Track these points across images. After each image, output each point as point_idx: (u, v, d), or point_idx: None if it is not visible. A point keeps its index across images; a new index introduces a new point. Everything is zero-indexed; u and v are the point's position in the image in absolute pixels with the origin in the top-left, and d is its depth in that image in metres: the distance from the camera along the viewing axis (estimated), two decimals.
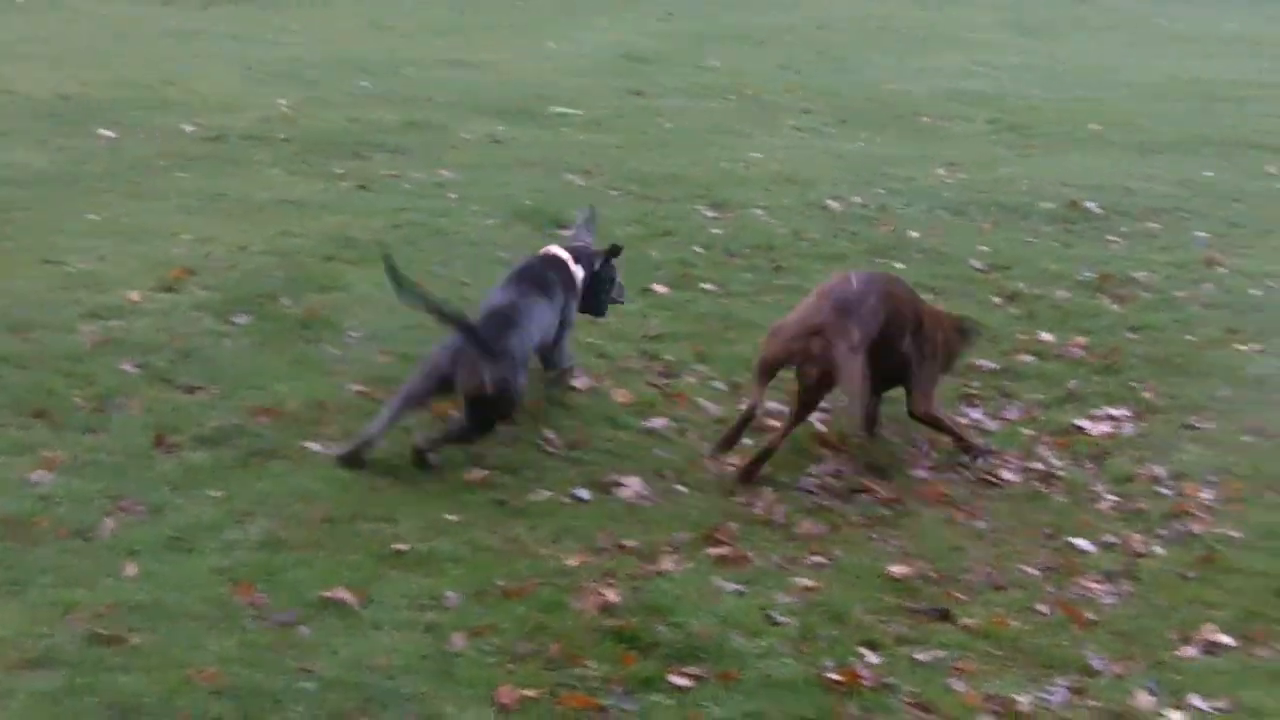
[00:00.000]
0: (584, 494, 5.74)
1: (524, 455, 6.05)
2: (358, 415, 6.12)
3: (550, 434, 6.21)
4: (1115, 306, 8.13)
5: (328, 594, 4.69)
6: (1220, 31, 18.10)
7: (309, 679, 4.25)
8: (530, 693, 4.30)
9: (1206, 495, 5.93)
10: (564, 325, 6.44)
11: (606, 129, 12.25)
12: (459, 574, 4.95)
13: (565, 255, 6.51)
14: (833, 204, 9.98)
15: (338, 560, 4.95)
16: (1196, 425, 6.63)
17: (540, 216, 9.26)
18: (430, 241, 8.66)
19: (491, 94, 13.41)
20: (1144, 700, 4.43)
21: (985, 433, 6.63)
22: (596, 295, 6.70)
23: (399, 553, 5.05)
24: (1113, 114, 13.21)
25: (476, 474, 5.76)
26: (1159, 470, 6.16)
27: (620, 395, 6.66)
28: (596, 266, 6.62)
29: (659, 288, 8.13)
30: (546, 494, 5.69)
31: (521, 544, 5.27)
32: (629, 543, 5.34)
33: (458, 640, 4.52)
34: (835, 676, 4.47)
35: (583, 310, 6.66)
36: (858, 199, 10.14)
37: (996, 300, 8.17)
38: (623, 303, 6.98)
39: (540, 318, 6.16)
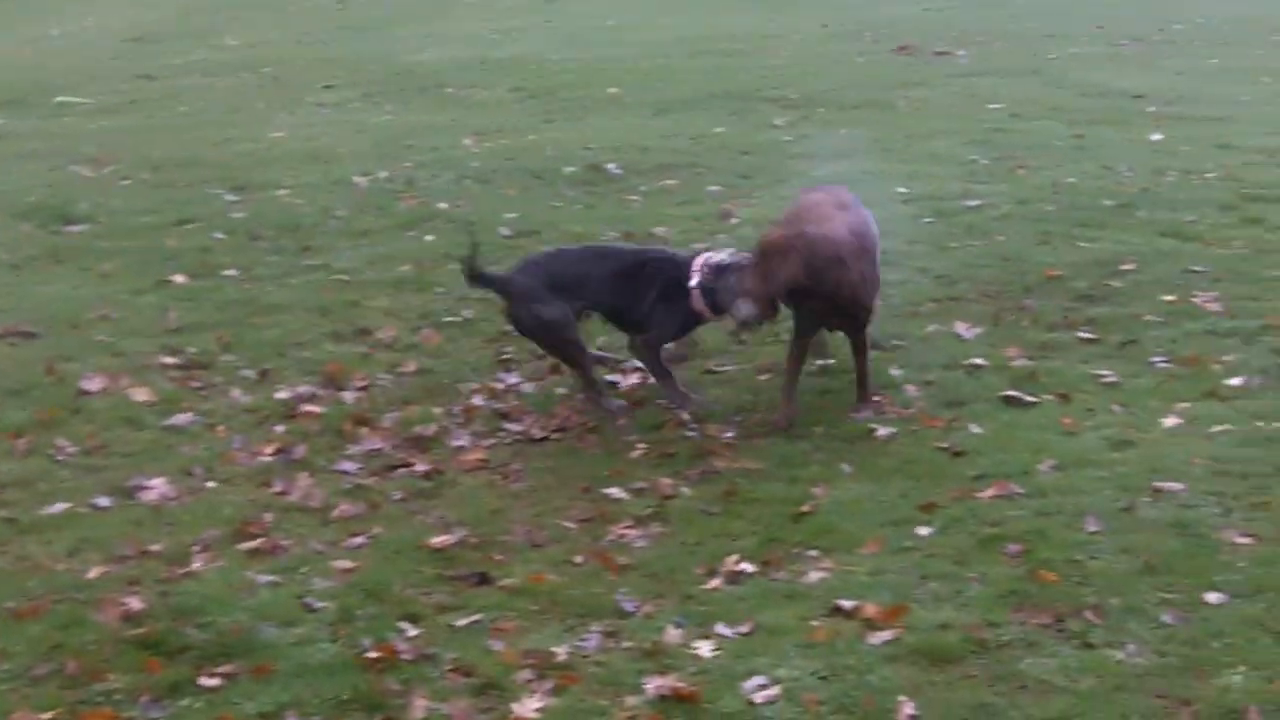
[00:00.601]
0: (104, 501, 5.45)
1: (35, 467, 5.68)
2: None
3: (63, 442, 5.84)
4: None
5: None
6: None
7: None
8: (46, 716, 4.05)
9: (728, 433, 6.15)
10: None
11: (117, 115, 11.66)
12: None
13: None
14: (359, 180, 9.84)
15: None
16: (716, 369, 6.87)
17: (45, 212, 8.70)
18: None
19: None
20: (673, 635, 4.54)
21: (521, 395, 6.67)
22: None
23: None
24: (630, 75, 13.57)
25: None
26: (684, 414, 6.34)
27: (140, 394, 6.34)
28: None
29: (178, 278, 7.80)
30: (62, 506, 5.37)
31: (34, 561, 4.95)
32: (155, 547, 5.11)
33: None
34: (374, 654, 4.39)
35: None
36: (384, 173, 10.04)
37: None
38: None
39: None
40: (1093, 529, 5.05)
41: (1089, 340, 6.91)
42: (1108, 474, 5.48)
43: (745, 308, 6.10)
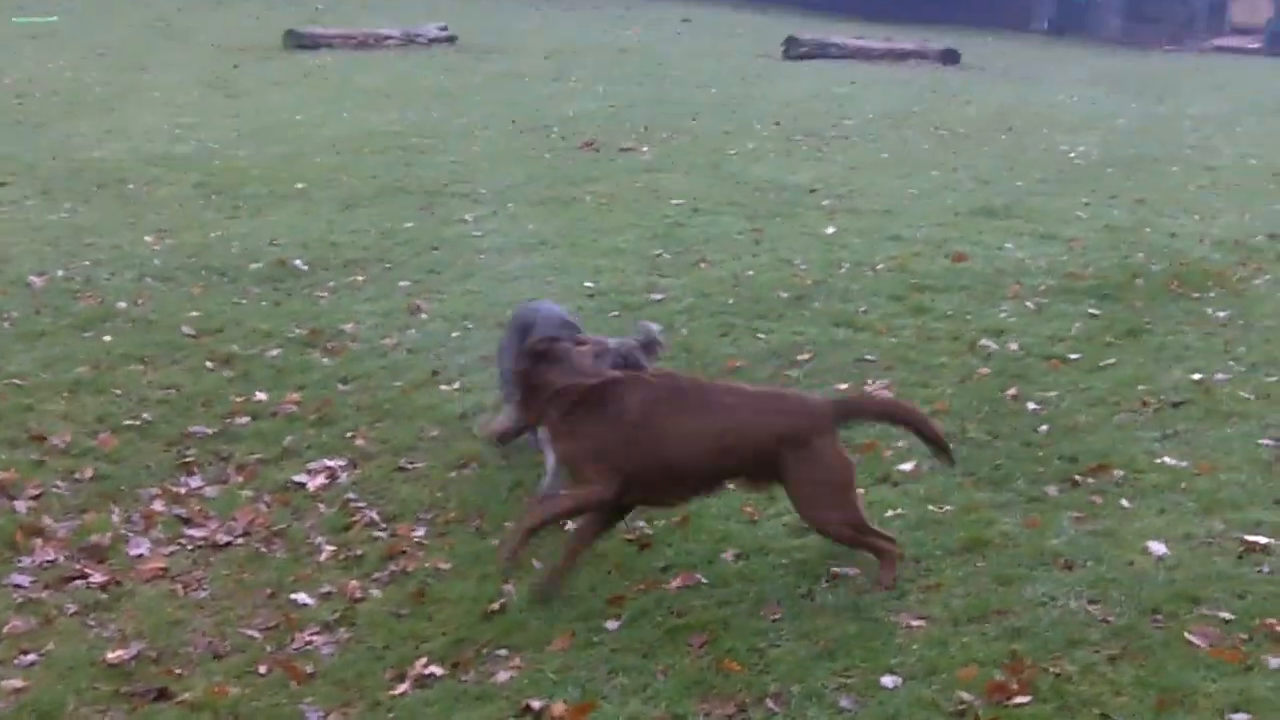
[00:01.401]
0: None
1: None
2: None
3: None
4: (326, 360, 8.23)
5: None
6: (414, 85, 18.94)
7: None
8: None
9: (419, 532, 6.12)
10: None
11: None
12: None
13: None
14: (35, 279, 9.44)
15: None
16: (408, 466, 6.84)
17: None
18: None
19: None
20: None
21: (206, 500, 6.50)
22: None
23: None
24: (316, 170, 13.42)
25: None
26: (374, 514, 6.28)
27: None
28: None
29: None
30: None
31: None
32: None
33: None
34: None
35: None
36: (61, 272, 9.66)
37: (210, 365, 8.05)
38: None
39: None
40: (774, 617, 5.17)
41: None
42: (788, 561, 5.63)
43: None
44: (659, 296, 9.35)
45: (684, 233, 11.16)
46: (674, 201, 12.28)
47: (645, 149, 14.98)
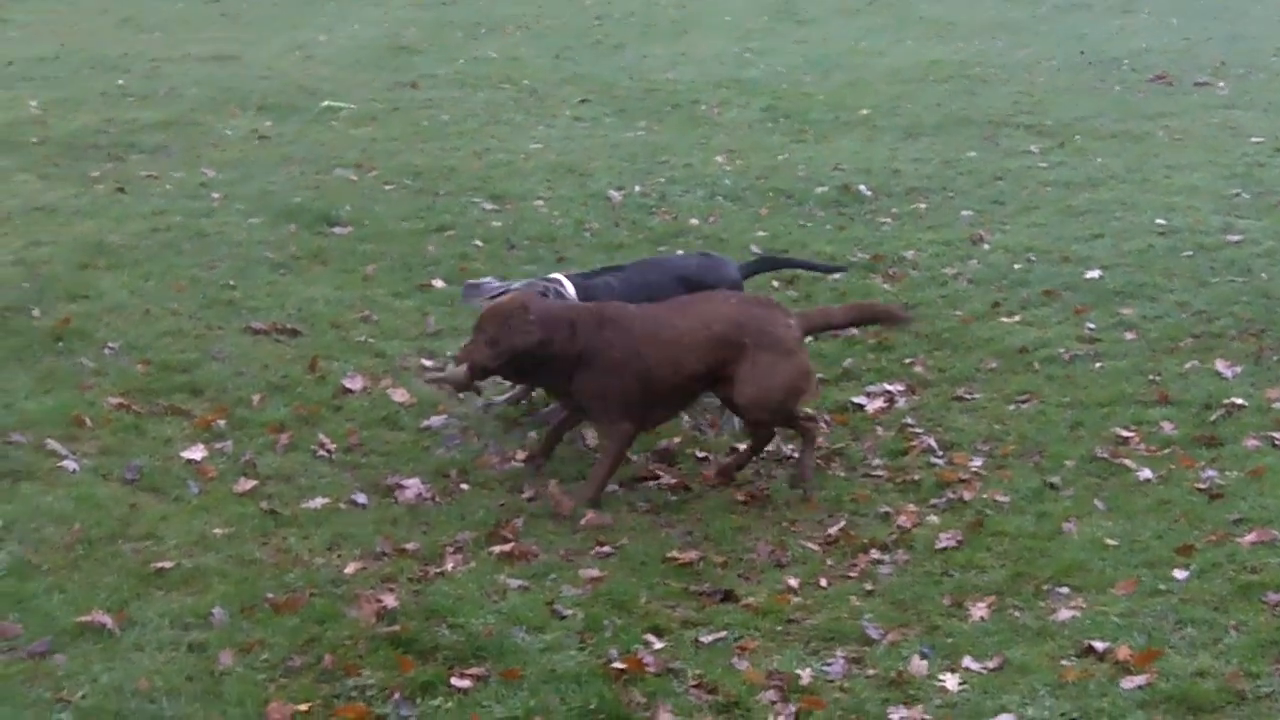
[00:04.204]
0: (362, 499, 5.62)
1: (297, 462, 5.90)
2: (117, 429, 5.88)
3: (325, 439, 6.06)
4: (887, 286, 8.26)
5: (84, 619, 4.49)
6: (976, 15, 18.59)
7: (65, 710, 4.07)
8: (302, 707, 4.18)
9: (976, 463, 6.05)
10: None
11: (379, 122, 12.06)
12: (226, 589, 4.78)
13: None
14: (613, 194, 9.97)
15: (94, 583, 4.75)
16: (966, 396, 6.77)
17: (309, 214, 9.05)
18: (191, 244, 8.41)
19: (254, 88, 13.12)
20: (918, 665, 4.49)
21: None
22: None
23: (161, 571, 4.87)
24: (879, 98, 13.45)
25: (246, 484, 5.59)
26: (931, 441, 6.26)
27: (399, 395, 6.53)
28: None
29: (438, 283, 8.02)
30: (322, 501, 5.55)
31: (294, 554, 5.13)
32: (410, 546, 5.25)
33: (225, 658, 4.37)
34: (620, 665, 4.44)
35: None
36: (638, 188, 10.15)
37: (775, 284, 8.24)
38: None
39: None
40: None
41: None
42: None
43: None
44: (1236, 238, 8.80)
45: (1264, 173, 10.45)
46: (1253, 140, 11.51)
47: (1221, 84, 14.10)
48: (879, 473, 6.07)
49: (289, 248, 8.48)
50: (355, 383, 6.61)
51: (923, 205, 9.81)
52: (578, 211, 9.53)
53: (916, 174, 10.59)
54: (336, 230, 8.86)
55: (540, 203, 9.71)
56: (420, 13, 18.55)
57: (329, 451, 5.99)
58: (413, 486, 5.71)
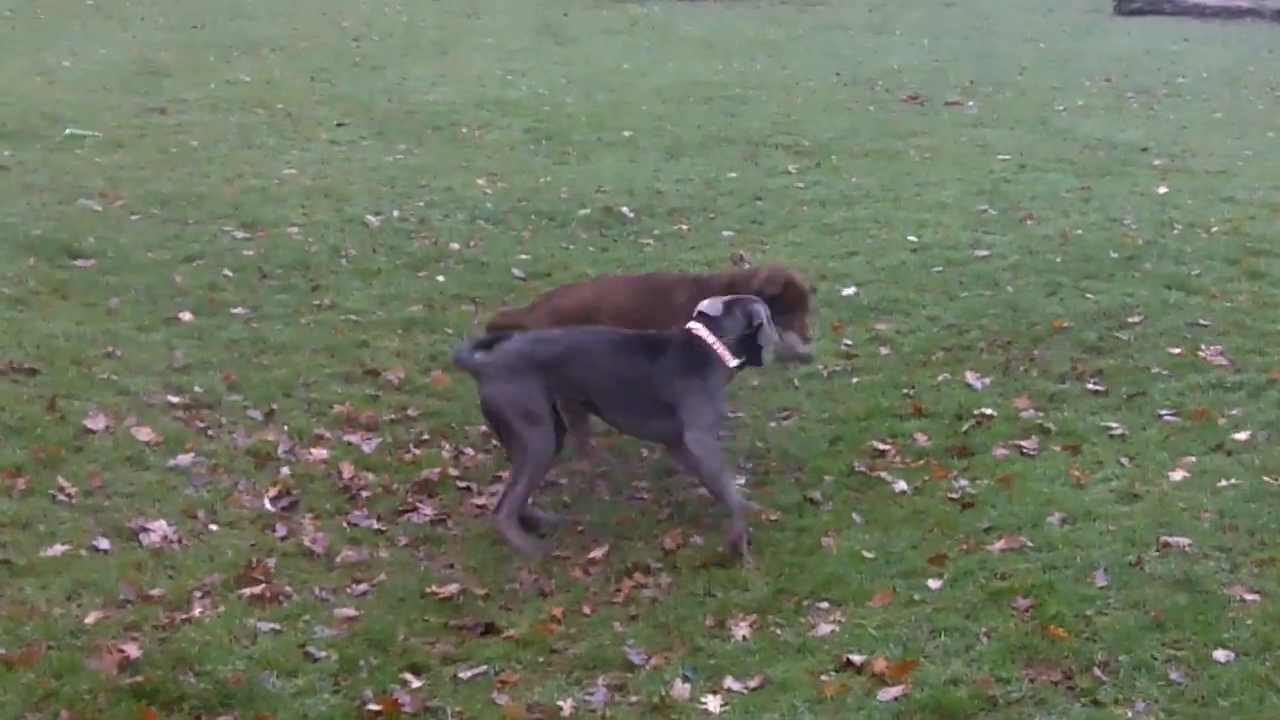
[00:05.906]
0: (104, 544, 5.38)
1: (35, 507, 5.60)
2: None
3: (64, 482, 5.77)
4: None
5: None
6: (737, 36, 18.92)
7: None
8: None
9: (739, 481, 6.09)
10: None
11: (126, 149, 11.62)
12: None
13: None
14: (371, 219, 9.78)
15: None
16: (728, 414, 6.79)
17: (50, 246, 8.64)
18: None
19: None
20: (680, 689, 4.48)
21: None
22: None
23: None
24: (642, 118, 13.53)
25: None
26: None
27: (144, 433, 6.27)
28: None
29: (185, 315, 7.72)
30: (61, 548, 5.30)
31: (30, 605, 4.88)
32: (154, 592, 5.04)
33: None
34: (375, 707, 4.34)
35: None
36: (396, 212, 9.98)
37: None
38: None
39: None
40: (1101, 584, 4.99)
41: (1097, 392, 6.85)
42: (1115, 527, 5.42)
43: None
44: (984, 253, 9.08)
45: (1010, 189, 10.84)
46: (1000, 157, 11.95)
47: (971, 103, 14.61)
48: (644, 495, 6.06)
49: (28, 282, 8.08)
50: (97, 422, 6.31)
51: (685, 226, 9.87)
52: (334, 237, 9.32)
53: (679, 194, 10.66)
54: (79, 263, 8.48)
55: (295, 229, 9.46)
56: (171, 35, 18.00)
57: (69, 495, 5.70)
58: (158, 529, 5.49)
